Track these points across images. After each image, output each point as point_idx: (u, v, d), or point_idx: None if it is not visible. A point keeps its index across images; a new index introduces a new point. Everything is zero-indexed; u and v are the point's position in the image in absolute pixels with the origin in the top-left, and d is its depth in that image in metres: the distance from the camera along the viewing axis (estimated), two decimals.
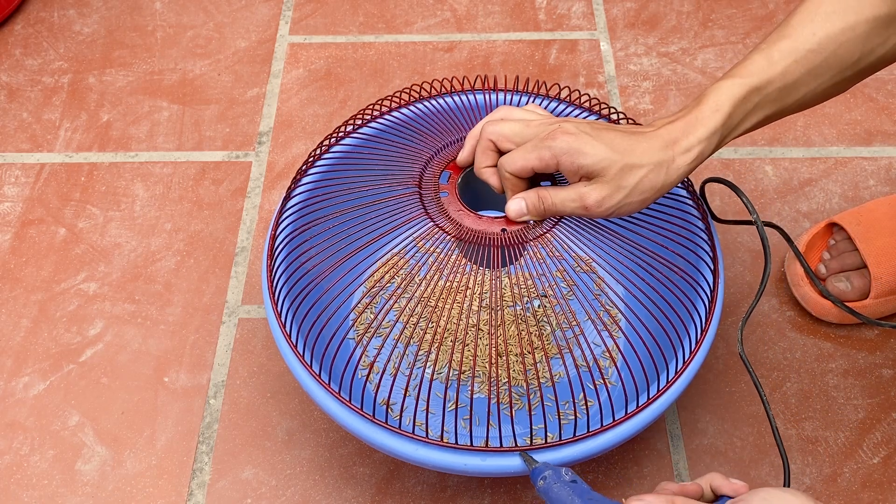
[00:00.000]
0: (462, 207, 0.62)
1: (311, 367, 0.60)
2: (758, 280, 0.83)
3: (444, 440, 0.57)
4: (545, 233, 0.60)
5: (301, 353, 0.61)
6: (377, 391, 0.60)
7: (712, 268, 0.65)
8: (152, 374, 0.78)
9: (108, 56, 1.06)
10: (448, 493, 0.70)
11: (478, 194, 0.66)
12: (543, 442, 0.57)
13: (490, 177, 0.61)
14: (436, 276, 0.58)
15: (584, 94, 0.74)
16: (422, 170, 0.65)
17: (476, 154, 0.61)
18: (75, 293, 0.83)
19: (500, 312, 0.59)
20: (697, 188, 0.70)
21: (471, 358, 0.69)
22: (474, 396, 0.70)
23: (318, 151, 0.70)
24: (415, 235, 0.60)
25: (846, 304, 0.76)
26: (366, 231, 0.60)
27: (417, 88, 0.73)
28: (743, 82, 0.57)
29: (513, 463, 0.57)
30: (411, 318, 0.62)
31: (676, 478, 0.71)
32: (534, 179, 0.60)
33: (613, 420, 0.58)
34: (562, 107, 0.72)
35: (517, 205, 0.59)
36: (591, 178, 0.56)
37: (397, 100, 0.73)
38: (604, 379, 0.57)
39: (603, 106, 0.72)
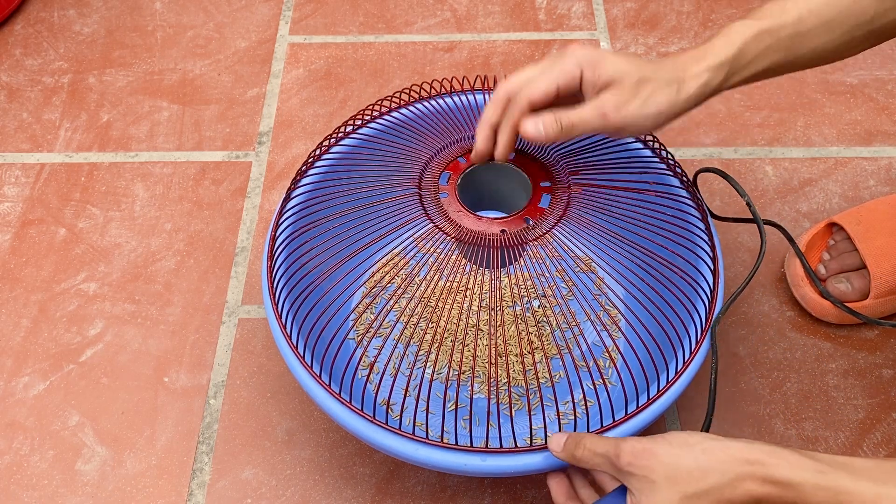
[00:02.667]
0: (462, 208, 0.62)
1: (311, 367, 0.60)
2: (758, 280, 0.83)
3: (444, 440, 0.57)
4: (545, 233, 0.60)
5: (301, 354, 0.61)
6: (377, 391, 0.60)
7: (712, 268, 0.65)
8: (152, 374, 0.78)
9: (108, 56, 1.06)
10: (448, 493, 0.70)
11: (477, 195, 0.66)
12: (544, 443, 0.57)
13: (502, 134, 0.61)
14: (436, 277, 0.58)
15: None
16: (421, 170, 0.65)
17: (488, 108, 0.61)
18: (75, 293, 0.83)
19: (499, 313, 0.59)
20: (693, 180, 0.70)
21: (471, 358, 0.69)
22: (474, 396, 0.70)
23: (317, 152, 0.70)
24: (415, 236, 0.60)
25: (846, 304, 0.76)
26: (365, 232, 0.60)
27: (417, 89, 0.73)
28: (755, 23, 0.59)
29: (513, 463, 0.57)
30: (411, 319, 0.62)
31: None
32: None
33: (613, 420, 0.58)
34: None
35: (534, 125, 0.57)
36: (609, 88, 0.57)
37: (397, 100, 0.73)
38: (603, 379, 0.57)
39: None
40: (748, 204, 0.64)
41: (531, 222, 0.61)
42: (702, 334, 0.62)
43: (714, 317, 0.62)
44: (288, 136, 0.97)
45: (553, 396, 0.60)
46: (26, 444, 0.73)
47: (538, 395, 0.69)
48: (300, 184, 0.68)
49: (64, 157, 0.95)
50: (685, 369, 0.60)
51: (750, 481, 0.48)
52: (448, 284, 0.58)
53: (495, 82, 0.74)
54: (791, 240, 0.69)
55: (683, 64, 0.58)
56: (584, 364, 0.71)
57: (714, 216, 0.69)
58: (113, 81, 1.03)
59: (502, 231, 0.60)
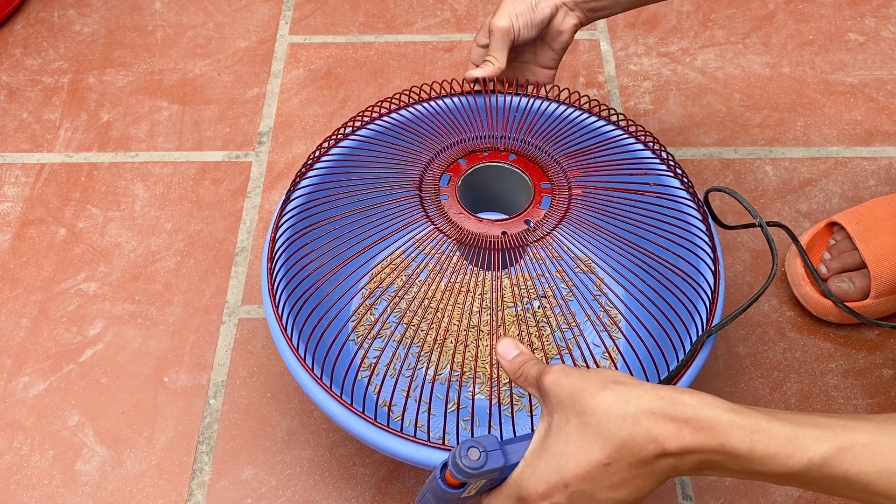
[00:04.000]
0: (462, 210, 0.62)
1: (312, 370, 0.60)
2: (758, 280, 0.83)
3: (445, 441, 0.57)
4: (545, 235, 0.60)
5: (302, 357, 0.61)
6: (379, 393, 0.60)
7: (713, 269, 0.65)
8: (152, 374, 0.78)
9: (108, 56, 1.06)
10: None
11: (478, 197, 0.66)
12: None
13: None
14: (436, 279, 0.58)
15: (584, 96, 0.74)
16: (422, 172, 0.65)
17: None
18: (75, 293, 0.83)
19: (500, 313, 0.59)
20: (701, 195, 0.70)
21: (472, 359, 0.69)
22: (475, 397, 0.70)
23: (317, 153, 0.70)
24: (415, 238, 0.60)
25: (847, 304, 0.76)
26: (366, 234, 0.60)
27: (417, 90, 0.73)
28: None
29: None
30: (412, 320, 0.62)
31: (677, 482, 0.71)
32: None
33: None
34: (561, 108, 0.72)
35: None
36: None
37: (396, 101, 0.73)
38: None
39: (602, 107, 0.72)
40: (761, 226, 0.64)
41: (532, 224, 0.61)
42: (703, 335, 0.62)
43: (701, 334, 0.61)
44: (288, 136, 0.97)
45: None
46: (26, 444, 0.73)
47: None
48: (300, 185, 0.68)
49: (64, 157, 0.95)
50: (685, 370, 0.60)
51: (651, 418, 0.43)
52: (449, 286, 0.58)
53: (494, 84, 0.74)
54: (795, 240, 0.69)
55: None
56: (584, 365, 0.71)
57: (723, 226, 0.68)
58: (113, 81, 1.03)
59: (503, 233, 0.60)
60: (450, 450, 0.57)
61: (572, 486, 0.45)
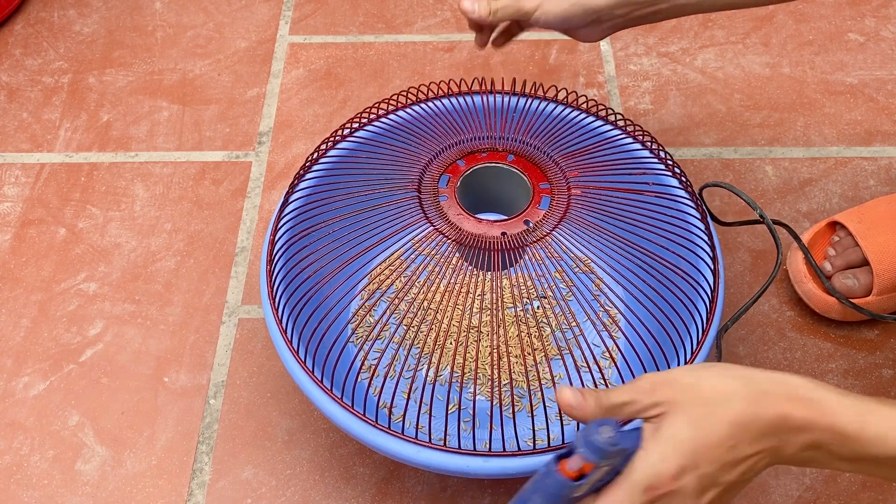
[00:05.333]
0: (461, 211, 0.62)
1: (312, 372, 0.60)
2: (758, 280, 0.83)
3: (446, 443, 0.57)
4: (545, 235, 0.60)
5: (303, 359, 0.61)
6: (380, 395, 0.60)
7: (712, 268, 0.65)
8: (152, 374, 0.78)
9: (108, 56, 1.06)
10: (448, 492, 0.70)
11: (477, 198, 0.66)
12: (546, 444, 0.57)
13: None
14: (436, 280, 0.58)
15: (582, 97, 0.74)
16: (421, 173, 0.65)
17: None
18: (75, 293, 0.83)
19: (500, 314, 0.59)
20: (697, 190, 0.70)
21: (471, 360, 0.69)
22: (476, 398, 0.70)
23: (315, 155, 0.70)
24: (414, 239, 0.60)
25: (851, 300, 0.76)
26: (365, 235, 0.60)
27: (415, 91, 0.73)
28: None
29: (516, 464, 0.57)
30: (413, 321, 0.62)
31: None
32: None
33: None
34: (559, 109, 0.72)
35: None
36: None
37: (395, 102, 0.73)
38: (604, 379, 0.57)
39: (601, 108, 0.72)
40: (761, 216, 0.64)
41: (531, 224, 0.61)
42: (703, 334, 0.62)
43: (720, 327, 0.62)
44: (288, 136, 0.97)
45: (554, 397, 0.60)
46: (26, 444, 0.73)
47: (539, 395, 0.69)
48: (298, 187, 0.68)
49: (64, 157, 0.95)
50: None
51: (776, 398, 0.46)
52: (448, 287, 0.58)
53: (492, 85, 0.74)
54: (797, 237, 0.69)
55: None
56: (584, 365, 0.71)
57: (719, 222, 0.68)
58: (113, 81, 1.03)
59: (502, 233, 0.60)
60: (450, 451, 0.57)
61: (702, 467, 0.46)
